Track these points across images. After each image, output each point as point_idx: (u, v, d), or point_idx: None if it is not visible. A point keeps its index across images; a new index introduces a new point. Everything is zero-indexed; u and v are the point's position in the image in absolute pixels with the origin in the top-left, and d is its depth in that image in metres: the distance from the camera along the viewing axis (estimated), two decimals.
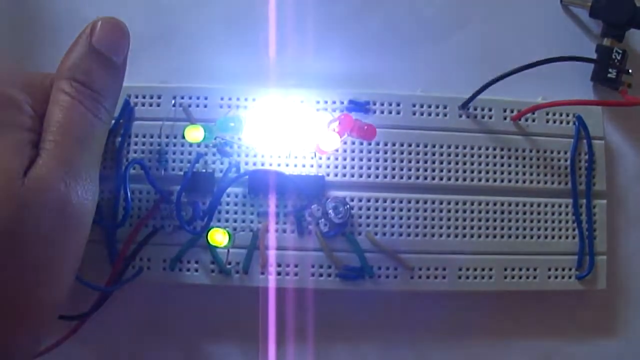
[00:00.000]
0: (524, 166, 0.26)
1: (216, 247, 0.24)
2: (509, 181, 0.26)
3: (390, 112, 0.26)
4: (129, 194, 0.24)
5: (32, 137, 0.19)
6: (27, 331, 0.19)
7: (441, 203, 0.25)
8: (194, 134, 0.24)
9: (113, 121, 0.25)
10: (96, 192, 0.20)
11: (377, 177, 0.25)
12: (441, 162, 0.26)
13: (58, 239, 0.19)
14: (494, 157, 0.26)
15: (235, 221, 0.25)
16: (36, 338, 0.20)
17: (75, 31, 0.21)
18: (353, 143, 0.25)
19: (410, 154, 0.26)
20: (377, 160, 0.25)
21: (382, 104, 0.26)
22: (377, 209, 0.25)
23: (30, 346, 0.20)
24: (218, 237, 0.24)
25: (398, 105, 0.26)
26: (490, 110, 0.26)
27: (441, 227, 0.25)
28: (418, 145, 0.26)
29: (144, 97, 0.26)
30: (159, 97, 0.26)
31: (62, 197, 0.19)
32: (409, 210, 0.25)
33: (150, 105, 0.26)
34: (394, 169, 0.25)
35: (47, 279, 0.19)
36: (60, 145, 0.19)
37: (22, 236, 0.18)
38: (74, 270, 0.20)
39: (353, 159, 0.25)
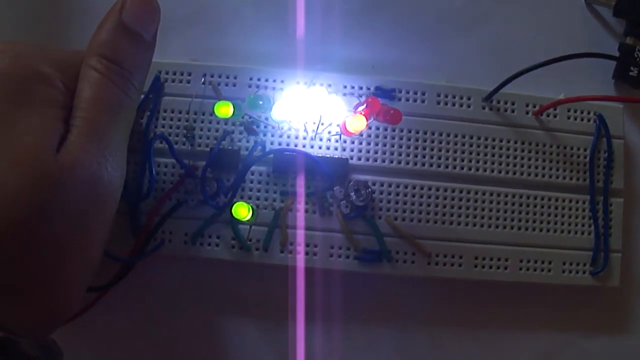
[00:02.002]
0: (543, 160, 0.27)
1: (240, 220, 0.24)
2: (528, 174, 0.26)
3: (415, 101, 0.26)
4: (153, 168, 0.25)
5: (63, 114, 0.19)
6: (55, 304, 0.19)
7: (461, 192, 0.26)
8: (224, 109, 0.24)
9: (142, 96, 0.26)
10: (124, 169, 0.21)
11: (399, 162, 0.26)
12: (462, 152, 0.26)
13: (88, 215, 0.19)
14: (515, 150, 0.26)
15: (258, 199, 0.25)
16: (65, 309, 0.20)
17: (105, 9, 0.21)
18: (377, 128, 0.26)
19: (432, 142, 0.26)
20: (400, 146, 0.26)
21: (408, 92, 0.26)
22: (397, 194, 0.26)
23: (59, 317, 0.20)
24: (242, 210, 0.24)
25: (423, 94, 0.26)
26: (513, 104, 0.27)
27: (459, 216, 0.26)
28: (441, 134, 0.26)
29: (174, 74, 0.26)
30: (189, 75, 0.26)
31: (93, 174, 0.19)
32: (429, 197, 0.26)
33: (180, 82, 0.26)
34: (416, 156, 0.26)
35: (76, 254, 0.19)
36: (90, 121, 0.19)
37: (54, 213, 0.18)
38: (102, 245, 0.21)
39: (377, 144, 0.26)
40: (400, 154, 0.26)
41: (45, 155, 0.18)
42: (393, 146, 0.26)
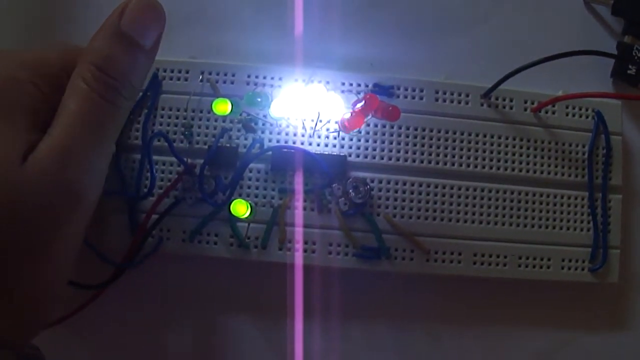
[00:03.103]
0: (542, 157, 0.27)
1: (238, 218, 0.24)
2: (527, 171, 0.26)
3: (413, 98, 0.26)
4: (153, 166, 0.25)
5: (36, 120, 0.19)
6: (27, 309, 0.19)
7: (459, 189, 0.26)
8: (222, 106, 0.24)
9: (140, 94, 0.25)
10: (100, 180, 0.20)
11: (398, 160, 0.26)
12: (461, 149, 0.26)
13: (54, 223, 0.19)
14: (513, 146, 0.26)
15: (256, 196, 0.25)
16: (39, 313, 0.20)
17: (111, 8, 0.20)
18: (376, 125, 0.26)
19: (431, 139, 0.26)
20: (399, 143, 0.26)
21: (406, 89, 0.26)
22: (396, 192, 0.26)
23: (35, 321, 0.20)
24: (241, 208, 0.24)
25: (421, 91, 0.26)
26: (511, 100, 0.27)
27: (458, 213, 0.26)
28: (439, 131, 0.26)
29: (172, 72, 0.26)
30: (187, 72, 0.26)
31: (58, 182, 0.18)
32: (427, 194, 0.26)
33: (178, 79, 0.26)
34: (414, 153, 0.26)
35: (42, 262, 0.19)
36: (66, 132, 0.19)
37: (18, 220, 0.18)
38: (72, 253, 0.20)
39: (375, 141, 0.26)
40: (398, 151, 0.26)
41: (8, 162, 0.18)
42: (392, 143, 0.26)
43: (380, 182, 0.26)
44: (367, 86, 0.26)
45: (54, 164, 0.18)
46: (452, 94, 0.26)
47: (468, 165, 0.26)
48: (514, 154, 0.26)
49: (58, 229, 0.19)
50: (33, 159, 0.18)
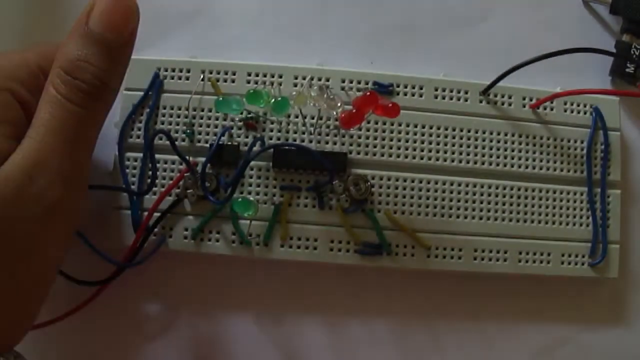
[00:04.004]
0: (541, 153, 0.27)
1: (241, 213, 0.24)
2: (526, 167, 0.27)
3: (413, 95, 0.27)
4: (155, 163, 0.25)
5: (12, 129, 0.19)
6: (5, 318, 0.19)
7: (459, 185, 0.26)
8: (223, 105, 0.24)
9: (142, 94, 0.26)
10: (79, 187, 0.20)
11: (398, 156, 0.26)
12: (460, 146, 0.26)
13: (27, 236, 0.18)
14: (512, 142, 0.27)
15: (257, 194, 0.25)
16: (15, 321, 0.20)
17: None
18: (376, 123, 0.26)
19: (431, 135, 0.26)
20: (399, 140, 0.26)
21: (406, 87, 0.26)
22: (396, 188, 0.26)
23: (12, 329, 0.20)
24: (244, 205, 0.24)
25: (421, 88, 0.27)
26: (510, 97, 0.27)
27: (458, 209, 0.26)
28: (439, 128, 0.26)
29: (173, 71, 0.26)
30: (188, 71, 0.26)
31: (27, 194, 0.18)
32: (427, 190, 0.26)
33: (180, 78, 0.26)
34: (414, 149, 0.26)
35: (19, 269, 0.19)
36: (37, 141, 0.18)
37: None
38: (54, 262, 0.20)
39: (375, 138, 0.26)
40: (399, 148, 0.26)
41: None
42: (392, 140, 0.26)
43: (381, 178, 0.26)
44: (367, 83, 0.26)
45: (23, 176, 0.18)
46: (451, 91, 0.27)
47: (467, 162, 0.26)
48: (513, 150, 0.27)
49: (33, 240, 0.18)
50: (2, 171, 0.18)
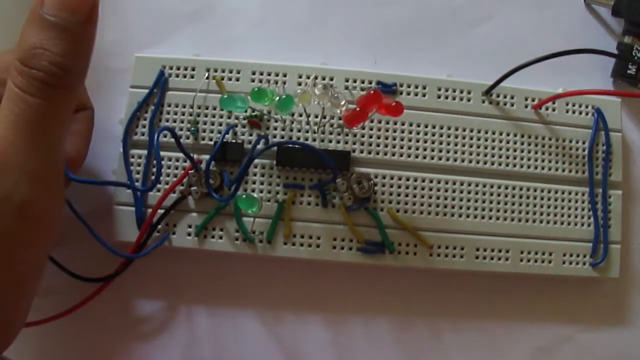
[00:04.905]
0: (542, 153, 0.27)
1: (245, 209, 0.24)
2: (528, 167, 0.27)
3: (416, 95, 0.27)
4: (160, 160, 0.25)
5: None
6: None
7: (462, 184, 0.26)
8: (228, 102, 0.24)
9: (147, 91, 0.26)
10: (53, 182, 0.19)
11: (401, 155, 0.26)
12: (463, 145, 0.26)
13: (9, 237, 0.18)
14: (515, 143, 0.27)
15: (261, 191, 0.26)
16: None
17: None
18: (379, 122, 0.26)
19: (434, 135, 0.26)
20: (402, 139, 0.26)
21: (409, 86, 0.27)
22: (399, 187, 0.26)
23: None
24: (248, 201, 0.24)
25: (424, 88, 0.27)
26: (512, 97, 0.27)
27: (461, 208, 0.26)
28: (442, 128, 0.26)
29: (178, 69, 0.26)
30: (193, 70, 0.26)
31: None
32: (430, 189, 0.26)
33: (184, 76, 0.26)
34: (417, 149, 0.26)
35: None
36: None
37: None
38: (29, 271, 0.19)
39: (379, 137, 0.26)
40: (402, 147, 0.26)
41: None
42: (395, 139, 0.26)
43: (384, 177, 0.26)
44: (370, 83, 0.26)
45: None
46: (454, 91, 0.27)
47: (470, 162, 0.26)
48: (515, 150, 0.27)
49: (4, 246, 0.18)
50: None
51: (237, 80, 0.26)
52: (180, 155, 0.26)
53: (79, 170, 0.24)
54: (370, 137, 0.26)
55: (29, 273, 0.19)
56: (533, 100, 0.27)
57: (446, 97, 0.27)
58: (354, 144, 0.26)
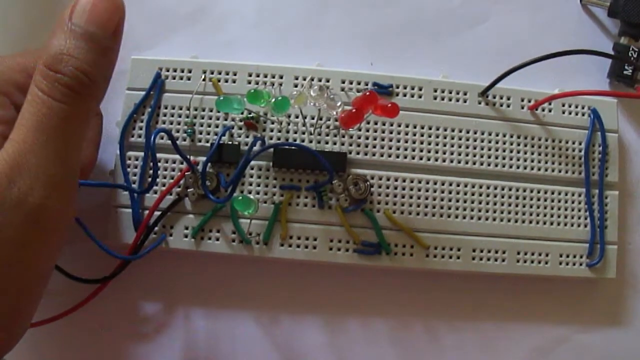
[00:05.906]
0: (539, 154, 0.27)
1: (242, 211, 0.25)
2: (524, 168, 0.27)
3: (412, 96, 0.27)
4: (156, 161, 0.25)
5: (2, 129, 0.18)
6: None
7: (458, 185, 0.26)
8: (224, 104, 0.24)
9: (144, 93, 0.26)
10: (67, 187, 0.19)
11: (397, 157, 0.26)
12: (459, 146, 0.26)
13: (13, 240, 0.17)
14: (511, 143, 0.27)
15: (258, 193, 0.26)
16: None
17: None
18: (375, 123, 0.26)
19: (430, 136, 0.26)
20: (398, 140, 0.26)
21: (405, 88, 0.27)
22: (396, 188, 0.26)
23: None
24: (244, 202, 0.24)
25: (420, 89, 0.27)
26: (508, 98, 0.27)
27: (457, 209, 0.26)
28: (438, 129, 0.27)
29: (174, 71, 0.26)
30: (190, 72, 0.26)
31: (9, 198, 0.17)
32: (427, 190, 0.26)
33: (181, 78, 0.26)
34: (414, 150, 0.26)
35: (12, 272, 0.18)
36: (18, 144, 0.18)
37: None
38: (37, 275, 0.19)
39: (375, 139, 0.26)
40: (398, 148, 0.26)
41: None
42: (391, 140, 0.26)
43: (380, 178, 0.26)
44: (366, 84, 0.27)
45: (4, 178, 0.17)
46: (450, 92, 0.27)
47: (467, 162, 0.26)
48: (511, 151, 0.27)
49: (15, 249, 0.17)
50: None
51: (234, 82, 0.26)
52: (177, 157, 0.26)
53: (88, 177, 0.25)
54: (367, 138, 0.26)
55: (37, 278, 0.19)
56: (529, 101, 0.27)
57: (442, 99, 0.27)
58: (350, 145, 0.26)
